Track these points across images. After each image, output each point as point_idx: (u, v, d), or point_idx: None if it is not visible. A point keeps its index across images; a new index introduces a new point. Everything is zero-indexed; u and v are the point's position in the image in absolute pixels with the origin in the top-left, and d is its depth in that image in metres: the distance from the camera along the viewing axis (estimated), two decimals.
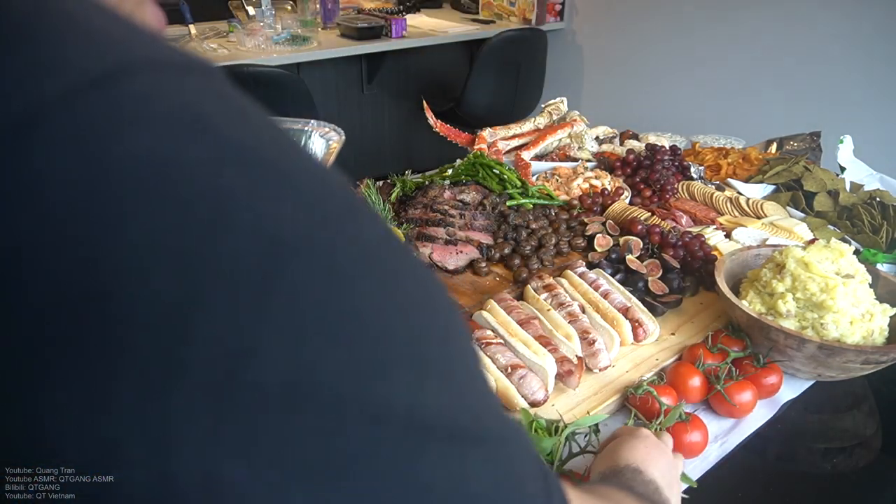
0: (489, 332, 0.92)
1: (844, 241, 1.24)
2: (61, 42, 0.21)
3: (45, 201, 0.19)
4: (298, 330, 0.21)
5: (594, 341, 0.92)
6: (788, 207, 1.42)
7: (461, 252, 1.20)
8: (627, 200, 1.43)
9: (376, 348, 0.23)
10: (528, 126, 1.77)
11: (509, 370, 0.85)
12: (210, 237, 0.20)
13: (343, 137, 0.75)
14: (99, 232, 0.19)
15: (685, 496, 0.74)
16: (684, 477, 0.74)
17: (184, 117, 0.21)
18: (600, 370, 0.92)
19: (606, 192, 1.43)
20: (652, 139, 1.77)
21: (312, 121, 0.75)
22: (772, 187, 1.52)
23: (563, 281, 1.09)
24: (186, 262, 0.20)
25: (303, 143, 0.75)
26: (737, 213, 1.38)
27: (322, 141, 0.74)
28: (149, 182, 0.20)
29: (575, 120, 1.75)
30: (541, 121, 1.78)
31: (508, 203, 1.37)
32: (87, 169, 0.19)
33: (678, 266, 1.13)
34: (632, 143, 1.74)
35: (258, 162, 0.22)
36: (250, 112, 0.24)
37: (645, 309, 1.02)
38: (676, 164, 1.55)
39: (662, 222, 1.29)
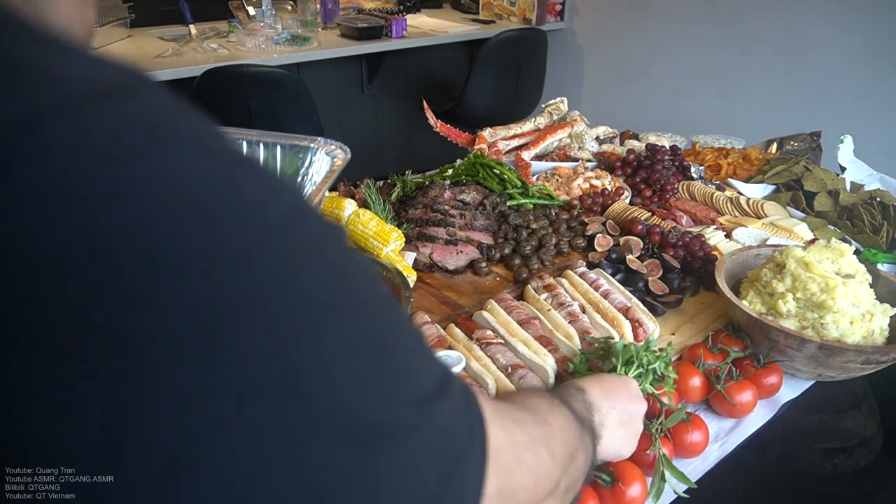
0: (489, 332, 0.92)
1: (845, 240, 1.24)
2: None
3: None
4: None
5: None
6: (789, 207, 1.42)
7: (461, 252, 1.20)
8: (628, 200, 1.43)
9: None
10: (528, 126, 1.77)
11: (509, 370, 0.85)
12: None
13: (348, 155, 0.76)
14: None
15: (685, 496, 0.74)
16: (683, 477, 0.74)
17: (103, 155, 0.21)
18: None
19: (607, 192, 1.43)
20: (652, 139, 1.77)
21: (319, 138, 0.76)
22: (772, 187, 1.52)
23: (564, 281, 1.09)
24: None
25: (308, 159, 0.76)
26: (737, 213, 1.38)
27: (327, 158, 0.75)
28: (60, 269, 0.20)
29: (575, 120, 1.75)
30: (541, 121, 1.78)
31: (509, 203, 1.37)
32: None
33: (678, 266, 1.13)
34: (632, 143, 1.74)
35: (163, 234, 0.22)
36: (171, 135, 0.24)
37: (645, 309, 1.02)
38: (677, 164, 1.55)
39: (663, 222, 1.29)
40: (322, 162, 0.76)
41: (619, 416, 0.65)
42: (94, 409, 0.20)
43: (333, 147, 0.75)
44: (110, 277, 0.21)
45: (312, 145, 0.76)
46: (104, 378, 0.20)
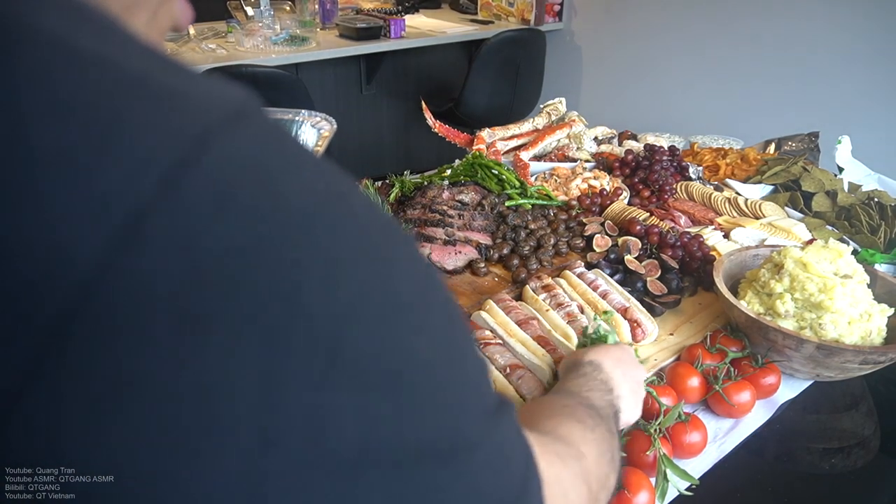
0: (488, 333, 0.93)
1: (842, 241, 1.24)
2: (134, 128, 0.22)
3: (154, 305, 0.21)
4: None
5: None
6: (787, 208, 1.42)
7: (460, 252, 1.20)
8: (626, 201, 1.43)
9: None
10: (526, 126, 1.77)
11: (508, 370, 0.86)
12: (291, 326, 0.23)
13: (334, 127, 0.76)
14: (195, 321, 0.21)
15: (688, 493, 0.74)
16: (685, 475, 0.74)
17: (258, 200, 0.23)
18: None
19: (605, 192, 1.44)
20: (650, 139, 1.77)
21: (303, 111, 0.75)
22: (770, 188, 1.52)
23: (562, 281, 1.09)
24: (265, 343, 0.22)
25: (294, 132, 0.75)
26: (735, 214, 1.38)
27: (313, 131, 0.75)
28: (236, 276, 0.22)
29: (573, 120, 1.75)
30: (539, 121, 1.79)
31: (507, 203, 1.37)
32: (190, 269, 0.21)
33: (677, 266, 1.13)
34: (630, 144, 1.74)
35: (319, 237, 0.24)
36: (298, 164, 0.26)
37: (643, 309, 1.02)
38: (675, 164, 1.56)
39: (661, 222, 1.30)
40: (308, 134, 0.75)
41: (629, 386, 0.68)
42: (101, 408, 0.20)
43: (319, 119, 0.75)
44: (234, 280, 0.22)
45: (297, 118, 0.75)
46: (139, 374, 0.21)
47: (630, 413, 0.68)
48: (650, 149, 1.57)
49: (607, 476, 0.50)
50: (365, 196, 0.29)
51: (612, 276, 1.11)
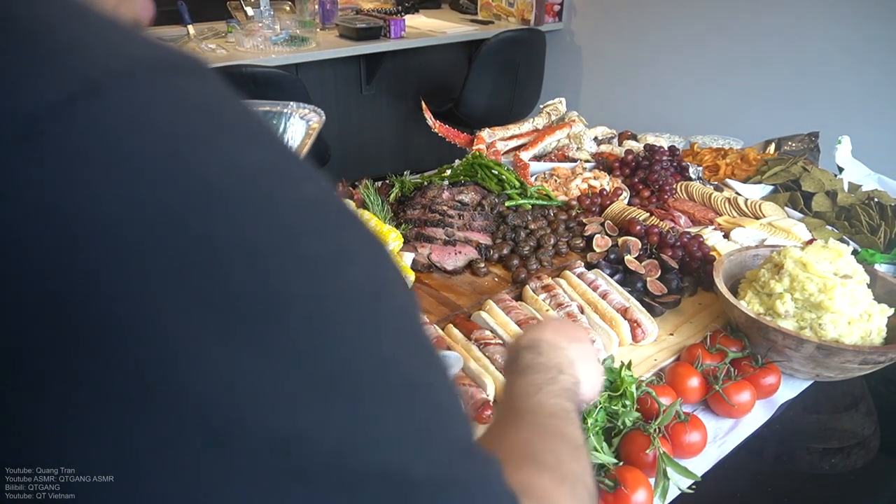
0: (488, 333, 0.93)
1: (842, 241, 1.24)
2: (52, 53, 0.20)
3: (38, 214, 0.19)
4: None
5: (593, 342, 0.92)
6: (787, 208, 1.42)
7: (460, 252, 1.20)
8: (626, 201, 1.43)
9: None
10: (526, 126, 1.77)
11: None
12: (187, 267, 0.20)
13: (323, 118, 0.75)
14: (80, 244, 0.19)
15: (690, 491, 0.74)
16: (686, 472, 0.74)
17: (163, 131, 0.21)
18: None
19: (605, 192, 1.44)
20: (650, 139, 1.77)
21: (292, 103, 0.74)
22: (770, 188, 1.52)
23: (562, 281, 1.09)
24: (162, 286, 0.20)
25: (283, 125, 0.75)
26: (735, 214, 1.38)
27: (302, 123, 0.74)
28: (134, 205, 0.20)
29: (573, 120, 1.75)
30: (539, 121, 1.78)
31: (507, 203, 1.37)
32: (77, 184, 0.19)
33: (677, 266, 1.13)
34: (630, 144, 1.74)
35: (236, 191, 0.22)
36: (232, 120, 0.24)
37: (643, 309, 1.02)
38: (675, 164, 1.56)
39: (661, 223, 1.30)
40: (297, 126, 0.75)
41: (578, 353, 0.61)
42: (98, 409, 0.20)
43: (307, 111, 0.74)
44: (154, 258, 0.20)
45: (286, 110, 0.75)
46: (114, 374, 0.20)
47: (589, 382, 0.60)
48: (650, 149, 1.57)
49: (591, 491, 0.45)
50: (328, 188, 0.26)
51: (612, 276, 1.11)
